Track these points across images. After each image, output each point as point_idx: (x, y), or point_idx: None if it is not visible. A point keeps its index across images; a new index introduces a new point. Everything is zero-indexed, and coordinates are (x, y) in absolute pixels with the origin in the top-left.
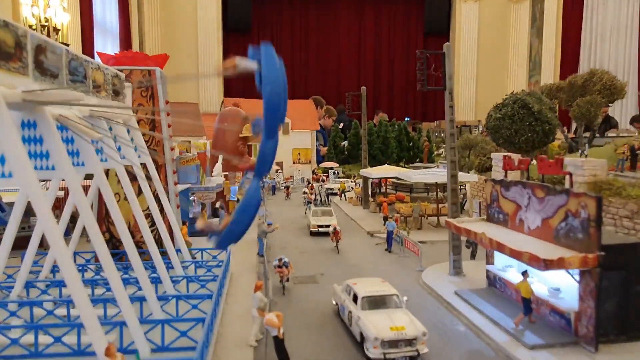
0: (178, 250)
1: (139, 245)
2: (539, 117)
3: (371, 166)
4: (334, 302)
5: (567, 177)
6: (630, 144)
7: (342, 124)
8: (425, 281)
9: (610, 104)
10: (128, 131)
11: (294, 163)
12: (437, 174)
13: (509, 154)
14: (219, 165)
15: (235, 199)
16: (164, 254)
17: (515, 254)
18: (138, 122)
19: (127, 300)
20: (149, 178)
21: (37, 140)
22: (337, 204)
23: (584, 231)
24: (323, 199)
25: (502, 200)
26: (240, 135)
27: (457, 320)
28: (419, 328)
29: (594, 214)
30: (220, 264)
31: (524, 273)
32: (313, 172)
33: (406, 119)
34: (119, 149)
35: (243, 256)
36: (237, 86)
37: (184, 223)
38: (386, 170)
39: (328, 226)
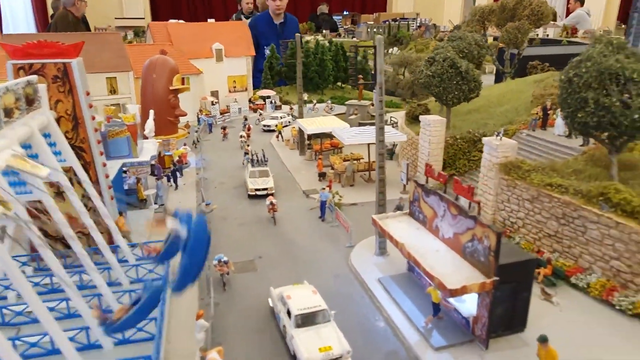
0: (117, 247)
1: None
2: (465, 76)
3: (307, 90)
4: (270, 304)
5: (477, 205)
6: (543, 104)
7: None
8: (353, 263)
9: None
10: (48, 135)
11: (230, 92)
12: (370, 135)
13: (430, 163)
14: (150, 122)
15: (170, 152)
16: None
17: (429, 276)
18: (58, 120)
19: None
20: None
21: None
22: (274, 147)
23: (485, 257)
24: (260, 158)
25: (423, 204)
26: (171, 88)
27: (378, 313)
28: (344, 347)
29: (494, 245)
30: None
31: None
32: (250, 100)
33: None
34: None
35: None
36: (164, 5)
37: (120, 214)
38: (321, 125)
39: (265, 189)
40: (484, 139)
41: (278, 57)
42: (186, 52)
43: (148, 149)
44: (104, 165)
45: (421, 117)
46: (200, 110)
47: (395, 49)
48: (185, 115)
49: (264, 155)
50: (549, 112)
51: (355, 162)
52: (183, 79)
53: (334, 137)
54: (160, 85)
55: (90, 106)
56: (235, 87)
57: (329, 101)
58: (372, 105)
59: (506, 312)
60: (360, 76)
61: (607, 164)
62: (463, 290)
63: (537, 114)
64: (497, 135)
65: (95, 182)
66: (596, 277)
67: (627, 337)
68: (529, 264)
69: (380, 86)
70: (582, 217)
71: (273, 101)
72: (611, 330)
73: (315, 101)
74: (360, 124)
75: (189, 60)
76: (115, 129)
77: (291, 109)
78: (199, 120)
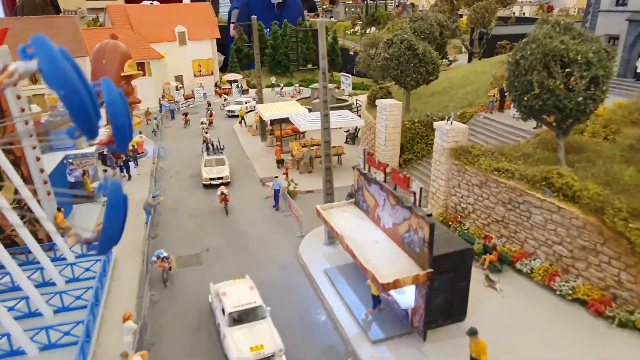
0: (54, 245)
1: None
2: (423, 58)
3: (276, 73)
4: (210, 300)
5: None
6: (500, 87)
7: None
8: (301, 254)
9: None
10: None
11: (195, 76)
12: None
13: (370, 150)
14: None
15: None
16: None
17: (364, 269)
18: None
19: None
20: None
21: None
22: (237, 133)
23: (421, 248)
24: (216, 146)
25: (365, 192)
26: (123, 74)
27: (321, 306)
28: (277, 345)
29: (428, 237)
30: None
31: None
32: (216, 85)
33: None
34: None
35: (128, 234)
36: None
37: (58, 209)
38: (280, 110)
39: (221, 178)
40: (435, 124)
41: (246, 39)
42: (147, 35)
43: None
44: (38, 159)
45: (377, 102)
46: (163, 96)
47: (373, 28)
48: (139, 102)
49: (219, 143)
50: (506, 94)
51: (314, 147)
52: (144, 63)
53: None
54: (111, 71)
55: (19, 97)
56: (200, 71)
57: (297, 84)
58: (338, 88)
59: (445, 302)
60: None
61: (556, 147)
62: (396, 284)
63: (494, 96)
64: (447, 120)
65: (28, 178)
66: (540, 262)
67: (564, 322)
68: (466, 254)
69: (323, 71)
70: (527, 202)
71: (240, 85)
72: (550, 315)
73: (282, 85)
74: None
75: (149, 45)
76: (58, 120)
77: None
78: (161, 107)
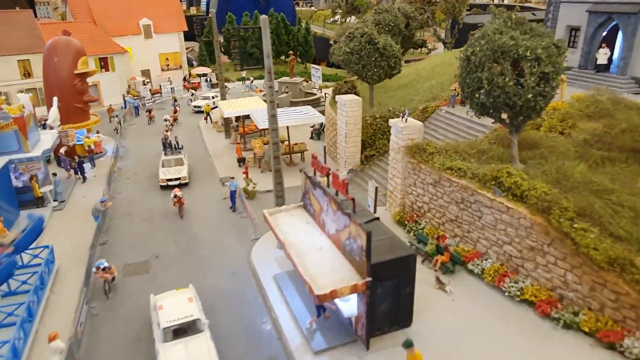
0: None
1: None
2: (384, 52)
3: (247, 65)
4: (150, 313)
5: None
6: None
7: None
8: (252, 259)
9: None
10: None
11: (162, 70)
12: (288, 117)
13: (314, 154)
14: (54, 111)
15: (82, 142)
16: None
17: (302, 279)
18: None
19: None
20: None
21: None
22: (201, 130)
23: (360, 256)
24: (174, 145)
25: (312, 196)
26: (76, 72)
27: (267, 315)
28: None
29: (365, 245)
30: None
31: None
32: (185, 79)
33: None
34: None
35: (75, 240)
36: None
37: None
38: (241, 107)
39: (178, 179)
40: (391, 121)
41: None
42: (110, 29)
43: (46, 141)
44: None
45: (337, 97)
46: (128, 92)
47: (353, 17)
48: (95, 100)
49: (177, 142)
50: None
51: None
52: (106, 58)
53: None
54: (63, 69)
55: None
56: (168, 65)
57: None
58: (306, 81)
59: (390, 308)
60: (291, 52)
61: (510, 144)
62: (333, 295)
63: (455, 89)
64: (402, 117)
65: None
66: (491, 262)
67: (512, 323)
68: (410, 260)
69: (269, 71)
70: (478, 201)
71: (209, 79)
72: (498, 316)
73: (252, 78)
74: (292, 103)
75: (112, 39)
76: (0, 122)
77: (225, 87)
78: (125, 103)
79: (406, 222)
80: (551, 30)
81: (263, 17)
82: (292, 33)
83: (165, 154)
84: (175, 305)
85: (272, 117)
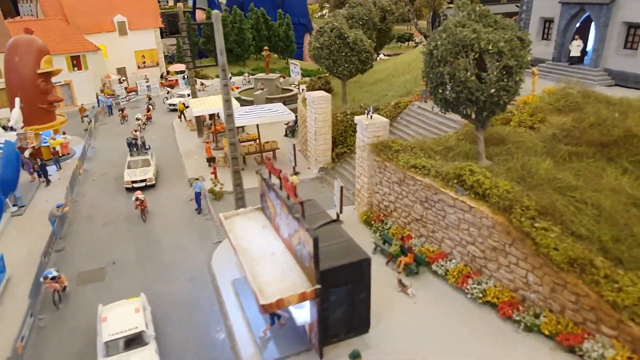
0: None
1: None
2: (354, 47)
3: (228, 62)
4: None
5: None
6: None
7: None
8: (213, 263)
9: None
10: None
11: (139, 68)
12: (257, 115)
13: (268, 156)
14: (16, 112)
15: (47, 143)
16: None
17: (250, 287)
18: None
19: None
20: None
21: None
22: (175, 129)
23: (309, 262)
24: (140, 145)
25: (268, 199)
26: (39, 71)
27: (222, 323)
28: None
29: (313, 251)
30: None
31: None
32: (162, 76)
33: None
34: None
35: (31, 248)
36: None
37: None
38: (210, 105)
39: (144, 180)
40: (356, 118)
41: (195, 28)
42: (83, 26)
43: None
44: None
45: (306, 94)
46: (102, 91)
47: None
48: (60, 100)
49: (144, 142)
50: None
51: (246, 144)
52: (78, 56)
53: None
54: (25, 69)
55: None
56: (144, 62)
57: (246, 74)
58: (284, 77)
59: (345, 315)
60: (266, 48)
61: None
62: (279, 304)
63: (426, 84)
64: (367, 113)
65: None
66: (455, 263)
67: (473, 326)
68: (363, 264)
69: (222, 68)
70: (442, 200)
71: (186, 76)
72: (460, 319)
73: (230, 74)
74: (268, 100)
75: (84, 37)
76: None
77: (202, 84)
78: (99, 102)
79: (372, 222)
80: (517, 23)
81: (215, 12)
82: (272, 28)
83: (131, 155)
84: (120, 316)
85: (229, 117)
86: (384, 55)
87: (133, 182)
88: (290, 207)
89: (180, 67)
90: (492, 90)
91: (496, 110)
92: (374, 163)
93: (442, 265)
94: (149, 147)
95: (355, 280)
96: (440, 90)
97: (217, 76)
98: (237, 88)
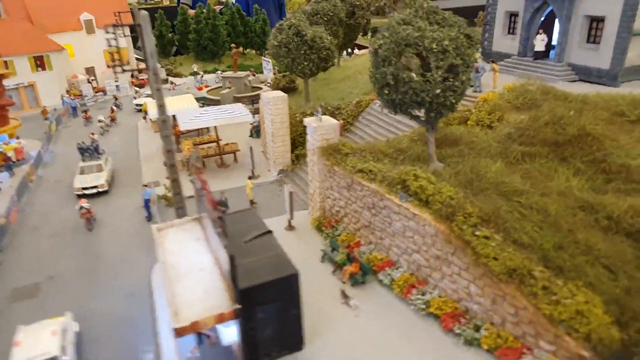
0: None
1: None
2: (313, 44)
3: (203, 59)
4: None
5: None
6: None
7: None
8: (153, 278)
9: None
10: None
11: (108, 67)
12: (211, 117)
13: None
14: None
15: (0, 149)
16: None
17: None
18: None
19: None
20: None
21: None
22: (139, 130)
23: (230, 280)
24: (92, 150)
25: (201, 209)
26: None
27: (151, 344)
28: None
29: (230, 269)
30: None
31: None
32: (132, 75)
33: None
34: None
35: None
36: None
37: None
38: (170, 107)
39: (95, 187)
40: (305, 120)
41: (168, 25)
42: (48, 25)
43: None
44: None
45: (262, 95)
46: (68, 91)
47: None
48: (12, 104)
49: (96, 146)
50: None
51: (204, 146)
52: (42, 57)
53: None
54: None
55: None
56: (114, 61)
57: (219, 71)
58: (254, 75)
59: (276, 333)
60: (234, 45)
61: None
62: (195, 327)
63: None
64: (316, 115)
65: None
66: (402, 271)
67: (414, 340)
68: (292, 280)
69: (154, 72)
70: (387, 207)
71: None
72: (402, 333)
73: (202, 73)
74: (236, 99)
75: (47, 36)
76: None
77: (172, 83)
78: (63, 103)
79: (323, 228)
80: (464, 20)
81: (142, 13)
82: (248, 24)
83: (84, 160)
84: (34, 340)
85: (164, 123)
86: (355, 51)
87: (84, 188)
88: (214, 220)
89: None
90: (438, 91)
91: (443, 111)
92: (324, 167)
93: (388, 274)
94: (103, 152)
95: (284, 296)
96: (386, 92)
97: (191, 74)
98: (207, 87)
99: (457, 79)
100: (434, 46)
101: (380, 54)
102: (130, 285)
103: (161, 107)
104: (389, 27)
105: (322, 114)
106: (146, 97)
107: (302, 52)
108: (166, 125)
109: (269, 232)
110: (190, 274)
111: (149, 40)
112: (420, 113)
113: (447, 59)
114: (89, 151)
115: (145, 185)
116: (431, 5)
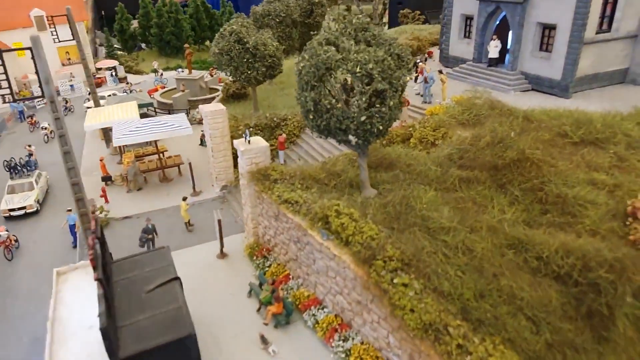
0: None
1: None
2: (255, 52)
3: (166, 55)
4: None
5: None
6: None
7: None
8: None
9: None
10: None
11: (63, 65)
12: (149, 132)
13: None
14: None
15: None
16: None
17: None
18: None
19: None
20: None
21: None
22: (85, 138)
23: (107, 353)
24: (22, 166)
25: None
26: None
27: None
28: None
29: (105, 344)
30: None
31: None
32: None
33: None
34: None
35: None
36: None
37: None
38: (108, 117)
39: (23, 208)
40: (234, 142)
41: (129, 18)
42: None
43: None
44: None
45: (200, 107)
46: (18, 93)
47: None
48: None
49: (27, 162)
50: None
51: (147, 159)
52: None
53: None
54: None
55: None
56: (70, 59)
57: (180, 69)
58: (212, 75)
59: None
60: (187, 45)
61: (375, 162)
62: None
63: None
64: (245, 137)
65: None
66: (327, 312)
67: None
68: (187, 342)
69: (51, 100)
70: (310, 244)
71: (115, 74)
72: None
73: (161, 71)
74: (190, 102)
75: None
76: None
77: (128, 83)
78: (11, 107)
79: (254, 258)
80: (394, 39)
81: (33, 37)
82: (214, 17)
83: (12, 178)
84: None
85: (66, 155)
86: None
87: (10, 210)
88: (98, 266)
89: (110, 62)
90: (363, 118)
91: (371, 138)
92: (254, 192)
93: (313, 315)
94: (35, 167)
95: None
96: (310, 117)
97: (153, 71)
98: (163, 87)
99: (384, 105)
100: (357, 70)
101: (302, 76)
102: (37, 328)
103: (62, 137)
104: (310, 48)
105: (250, 138)
106: (100, 98)
107: (245, 60)
108: (69, 157)
109: (176, 278)
110: (77, 333)
111: (43, 65)
112: (351, 138)
113: (372, 83)
114: (17, 169)
115: (70, 210)
116: (361, 22)
